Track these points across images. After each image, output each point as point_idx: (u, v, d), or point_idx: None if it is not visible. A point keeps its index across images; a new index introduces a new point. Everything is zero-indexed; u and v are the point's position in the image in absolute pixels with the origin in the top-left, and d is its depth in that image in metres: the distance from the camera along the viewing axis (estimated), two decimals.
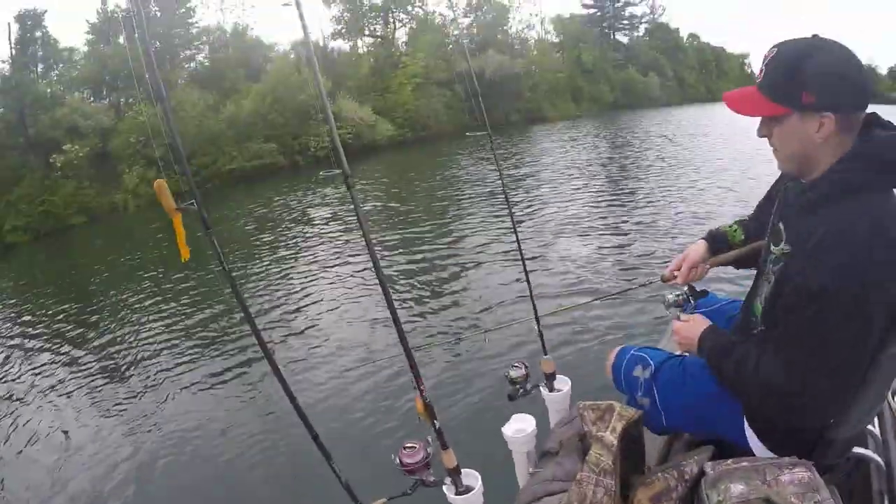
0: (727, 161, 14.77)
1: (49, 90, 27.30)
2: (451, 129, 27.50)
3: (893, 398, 1.72)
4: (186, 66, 29.59)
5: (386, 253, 9.91)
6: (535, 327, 2.25)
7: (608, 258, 7.88)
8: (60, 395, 7.48)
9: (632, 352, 1.61)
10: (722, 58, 64.71)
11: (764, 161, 12.02)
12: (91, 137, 24.55)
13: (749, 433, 1.29)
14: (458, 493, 1.61)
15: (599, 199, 12.14)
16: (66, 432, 6.20)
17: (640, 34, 52.14)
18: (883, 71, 66.98)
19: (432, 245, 10.37)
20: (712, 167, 14.26)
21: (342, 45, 33.15)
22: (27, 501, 5.00)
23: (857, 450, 1.39)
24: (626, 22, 51.26)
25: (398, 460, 1.55)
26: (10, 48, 26.65)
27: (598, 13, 49.21)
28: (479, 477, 1.65)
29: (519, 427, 1.85)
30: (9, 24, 27.12)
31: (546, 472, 1.62)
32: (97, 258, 16.50)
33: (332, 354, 6.19)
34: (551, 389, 2.08)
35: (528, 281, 2.37)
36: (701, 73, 57.08)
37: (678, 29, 57.05)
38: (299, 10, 1.41)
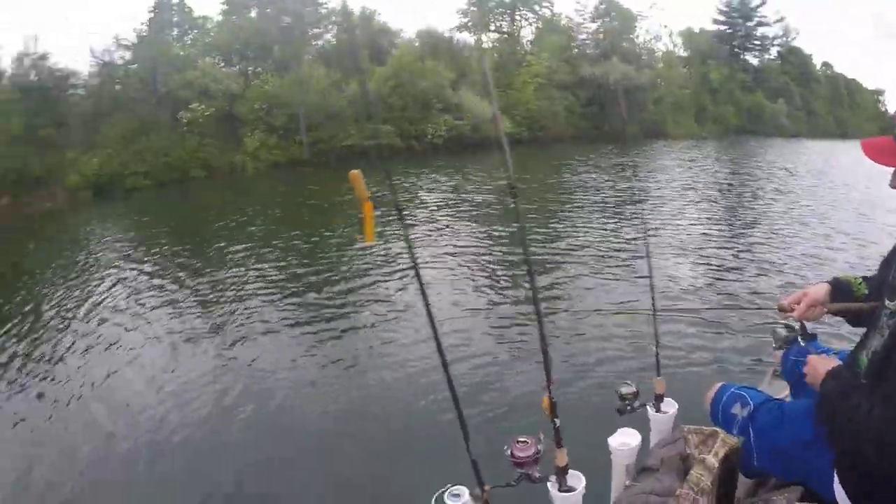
0: (848, 205, 13.60)
1: (182, 53, 28.56)
2: (568, 133, 26.50)
3: None
4: (314, 43, 30.23)
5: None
6: (654, 348, 2.31)
7: (719, 284, 7.96)
8: (156, 323, 7.81)
9: (732, 389, 1.63)
10: (855, 91, 59.58)
11: (888, 212, 10.67)
12: (219, 100, 25.48)
13: (837, 486, 1.28)
14: (560, 491, 1.63)
15: (713, 224, 11.71)
16: (156, 362, 6.52)
17: (772, 57, 48.57)
18: None
19: (552, 249, 10.16)
20: (833, 209, 13.29)
21: (467, 37, 32.77)
22: (117, 418, 5.28)
23: None
24: (757, 42, 47.83)
25: (510, 452, 1.57)
26: (148, 12, 28.12)
27: (729, 30, 46.20)
28: (584, 479, 1.66)
29: (624, 440, 1.89)
30: None
31: (645, 486, 1.65)
32: (211, 211, 17.15)
33: (469, 341, 6.33)
34: (658, 410, 2.12)
35: (653, 300, 2.38)
36: (832, 105, 52.65)
37: (811, 55, 52.91)
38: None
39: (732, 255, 9.45)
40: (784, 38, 49.24)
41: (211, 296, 8.92)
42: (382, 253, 10.12)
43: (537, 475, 1.58)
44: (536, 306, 1.59)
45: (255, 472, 4.36)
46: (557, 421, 1.59)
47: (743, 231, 11.23)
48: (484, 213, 13.02)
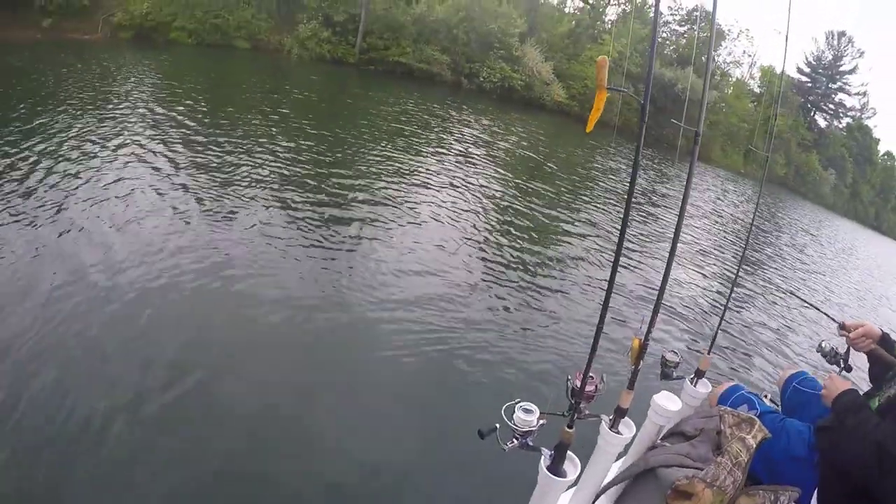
0: (864, 295, 13.79)
1: None
2: (617, 124, 25.61)
3: None
4: None
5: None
6: (715, 326, 2.48)
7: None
8: (162, 171, 7.80)
9: (743, 391, 1.89)
10: None
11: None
12: None
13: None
14: (611, 430, 1.69)
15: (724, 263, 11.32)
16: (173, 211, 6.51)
17: (840, 126, 46.96)
18: None
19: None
20: (846, 293, 13.28)
21: None
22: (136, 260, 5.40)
23: None
24: (831, 106, 46.21)
25: (571, 382, 1.60)
26: None
27: (809, 84, 44.60)
28: (634, 429, 1.72)
29: (667, 404, 1.92)
30: None
31: (679, 448, 1.72)
32: (245, 82, 16.98)
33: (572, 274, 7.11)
34: (695, 385, 2.24)
35: (733, 285, 2.65)
36: (877, 194, 51.24)
37: (879, 140, 51.17)
38: None
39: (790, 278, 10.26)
40: (858, 113, 47.56)
41: (221, 159, 8.77)
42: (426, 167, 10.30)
43: (587, 412, 1.62)
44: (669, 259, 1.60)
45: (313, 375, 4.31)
46: (640, 365, 1.63)
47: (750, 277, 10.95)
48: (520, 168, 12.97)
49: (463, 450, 3.50)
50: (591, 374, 1.58)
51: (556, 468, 1.58)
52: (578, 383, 1.58)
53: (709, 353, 2.30)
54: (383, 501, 3.38)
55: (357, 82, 21.29)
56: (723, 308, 2.50)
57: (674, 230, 1.65)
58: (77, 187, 6.95)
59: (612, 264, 1.45)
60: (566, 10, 30.25)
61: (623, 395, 1.68)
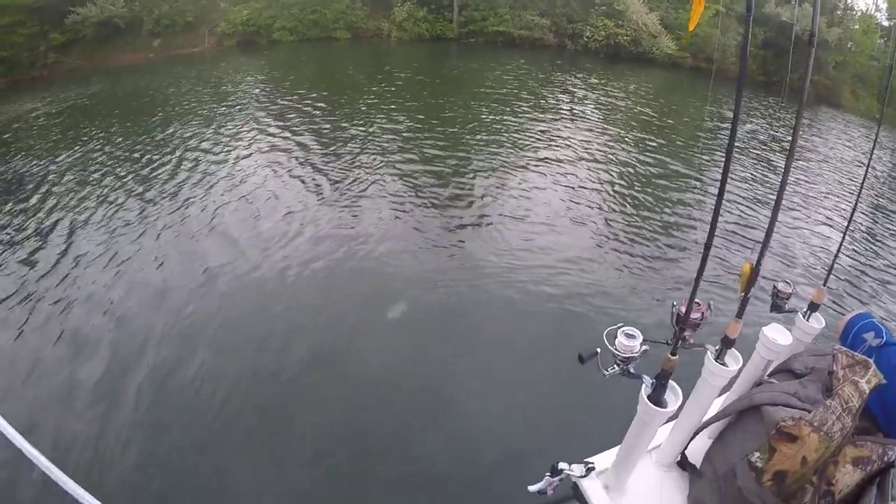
0: None
1: None
2: (734, 72, 23.51)
3: None
4: None
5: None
6: (831, 259, 2.25)
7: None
8: (276, 164, 8.15)
9: (872, 319, 1.66)
10: None
11: None
12: None
13: None
14: (717, 361, 1.63)
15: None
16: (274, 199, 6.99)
17: None
18: None
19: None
20: None
21: None
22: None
23: None
24: None
25: (675, 308, 1.52)
26: None
27: None
28: (741, 361, 1.65)
29: (776, 336, 1.80)
30: None
31: (787, 387, 1.61)
32: (349, 71, 17.39)
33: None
34: (808, 318, 2.01)
35: (851, 217, 2.49)
36: None
37: None
38: None
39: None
40: None
41: (343, 142, 9.13)
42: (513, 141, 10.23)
43: (692, 340, 1.55)
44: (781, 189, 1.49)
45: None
46: (750, 292, 1.52)
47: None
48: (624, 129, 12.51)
49: (567, 377, 3.64)
50: (697, 301, 1.48)
51: (657, 397, 1.53)
52: (684, 310, 1.49)
53: (824, 285, 2.06)
54: (492, 435, 3.59)
55: (460, 57, 21.18)
56: (839, 241, 2.26)
57: (786, 158, 1.47)
58: (217, 182, 7.61)
59: (717, 193, 1.33)
60: None
61: (731, 324, 1.59)
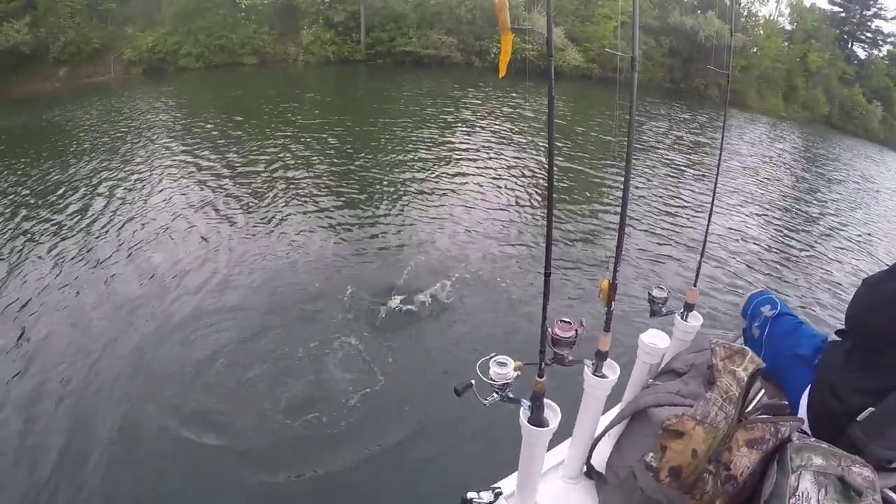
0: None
1: None
2: (642, 81, 23.54)
3: None
4: None
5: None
6: (697, 259, 2.33)
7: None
8: (186, 196, 7.95)
9: (769, 294, 1.79)
10: None
11: None
12: None
13: (803, 405, 1.46)
14: (595, 375, 1.67)
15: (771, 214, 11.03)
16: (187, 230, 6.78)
17: (881, 55, 42.78)
18: None
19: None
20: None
21: None
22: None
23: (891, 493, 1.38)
24: (868, 35, 42.15)
25: (550, 330, 1.54)
26: None
27: (843, 14, 40.78)
28: (619, 370, 1.69)
29: (655, 341, 1.88)
30: None
31: (670, 386, 1.68)
32: (257, 97, 17.13)
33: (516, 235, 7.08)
34: (685, 319, 2.10)
35: (709, 219, 2.43)
36: None
37: None
38: None
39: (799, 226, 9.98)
40: None
41: (243, 178, 8.84)
42: (422, 156, 10.18)
43: (570, 358, 1.57)
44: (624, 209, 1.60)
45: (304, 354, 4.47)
46: (612, 306, 1.58)
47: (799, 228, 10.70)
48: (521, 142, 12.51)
49: (451, 410, 3.55)
50: (567, 319, 1.54)
51: (535, 418, 1.56)
52: (558, 331, 1.53)
53: (695, 286, 2.16)
54: (377, 482, 3.46)
55: (368, 78, 20.64)
56: (702, 240, 2.30)
57: (624, 175, 1.58)
58: (128, 215, 7.30)
59: (547, 214, 1.40)
60: None
61: (601, 338, 1.64)
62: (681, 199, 9.93)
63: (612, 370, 1.67)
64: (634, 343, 1.91)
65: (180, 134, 11.55)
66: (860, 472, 1.12)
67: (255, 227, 6.98)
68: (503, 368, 1.48)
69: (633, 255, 6.83)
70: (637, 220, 8.31)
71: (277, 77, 20.90)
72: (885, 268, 1.34)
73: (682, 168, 12.36)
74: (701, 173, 12.10)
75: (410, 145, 10.75)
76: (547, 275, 1.43)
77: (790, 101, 31.34)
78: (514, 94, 17.82)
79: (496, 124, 13.36)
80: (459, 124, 13.04)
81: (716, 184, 2.42)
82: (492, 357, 1.51)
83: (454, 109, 14.82)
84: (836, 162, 20.62)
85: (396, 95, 16.49)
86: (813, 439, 1.25)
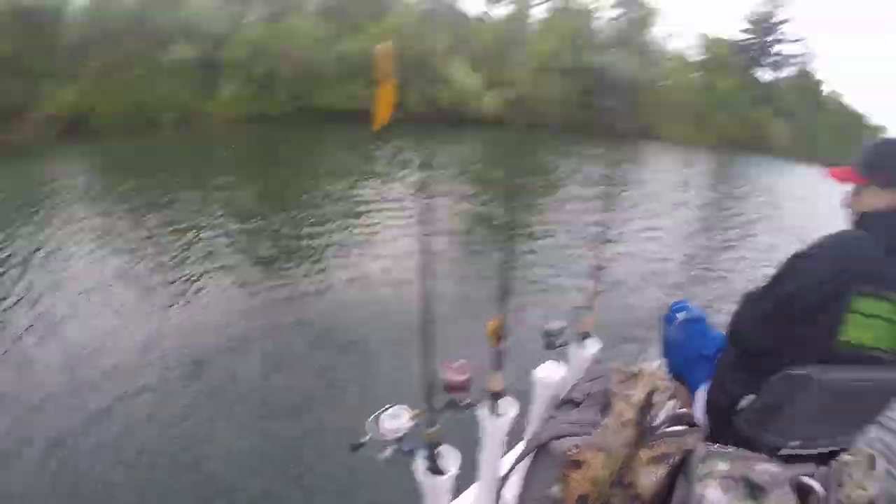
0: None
1: None
2: (560, 121, 24.37)
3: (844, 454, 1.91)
4: None
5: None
6: (590, 286, 2.33)
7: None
8: (107, 267, 7.65)
9: (686, 303, 1.79)
10: (859, 125, 57.04)
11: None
12: (203, 43, 23.52)
13: (700, 405, 1.48)
14: (492, 414, 1.67)
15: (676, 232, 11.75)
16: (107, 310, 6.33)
17: (784, 76, 45.86)
18: None
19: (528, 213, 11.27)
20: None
21: (476, 5, 30.08)
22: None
23: (807, 479, 1.46)
24: (772, 59, 45.17)
25: (443, 375, 1.55)
26: None
27: (748, 41, 43.59)
28: (517, 406, 1.71)
29: (549, 373, 1.95)
30: None
31: (569, 417, 1.70)
32: (177, 158, 16.85)
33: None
34: (582, 348, 2.14)
35: (597, 249, 2.68)
36: (832, 134, 50.17)
37: (822, 82, 50.17)
38: None
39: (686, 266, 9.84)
40: (800, 60, 46.54)
41: (166, 245, 8.66)
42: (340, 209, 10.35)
43: (467, 401, 1.59)
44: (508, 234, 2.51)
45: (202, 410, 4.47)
46: (501, 345, 1.62)
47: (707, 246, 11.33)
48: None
49: (349, 465, 3.48)
50: (459, 363, 1.57)
51: (434, 466, 1.54)
52: (450, 375, 1.55)
53: (590, 314, 2.22)
54: None
55: (288, 133, 20.45)
56: (595, 267, 2.43)
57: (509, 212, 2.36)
58: (43, 291, 6.84)
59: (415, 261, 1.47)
60: (491, 17, 28.92)
61: (492, 378, 1.67)
62: (580, 231, 10.09)
63: (509, 408, 1.67)
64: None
65: (98, 197, 11.25)
66: (765, 469, 1.16)
67: (174, 293, 6.85)
68: (396, 421, 1.47)
69: (530, 289, 6.88)
70: (534, 253, 8.50)
71: (197, 135, 20.63)
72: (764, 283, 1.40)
73: (589, 200, 12.80)
74: (609, 204, 12.71)
75: (325, 199, 10.85)
76: (426, 322, 1.45)
77: (702, 127, 33.04)
78: (426, 144, 18.17)
79: (410, 174, 13.57)
80: (374, 176, 13.19)
81: (608, 212, 2.52)
82: (384, 410, 1.51)
83: (371, 162, 15.05)
84: (743, 179, 21.91)
85: (317, 150, 16.54)
86: (717, 446, 1.28)
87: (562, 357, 2.08)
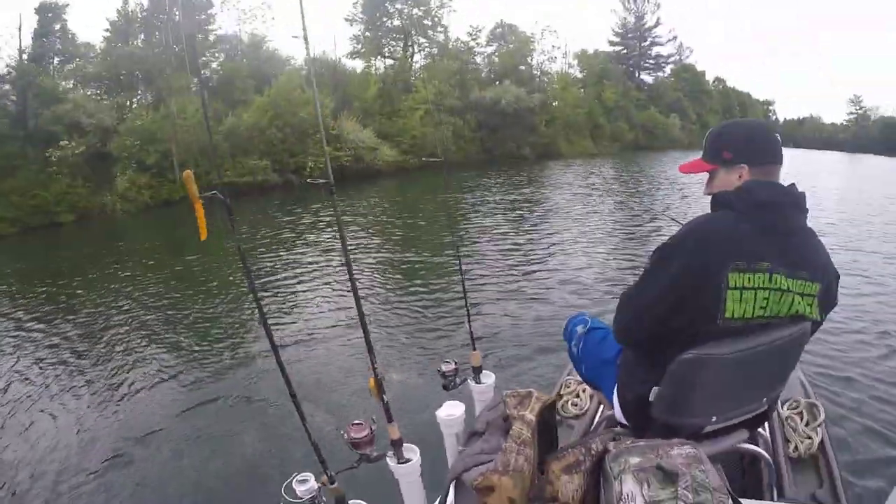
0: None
1: (61, 84, 25.96)
2: (459, 159, 25.32)
3: (783, 407, 2.28)
4: (202, 72, 27.84)
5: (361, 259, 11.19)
6: (466, 326, 2.49)
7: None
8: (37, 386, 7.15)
9: (584, 315, 1.98)
10: (747, 104, 61.78)
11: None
12: (91, 136, 23.10)
13: (616, 403, 1.61)
14: (399, 463, 1.77)
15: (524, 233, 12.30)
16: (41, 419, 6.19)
17: (665, 75, 49.45)
18: None
19: (397, 258, 11.38)
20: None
21: (357, 64, 31.08)
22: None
23: (747, 445, 1.67)
24: (651, 62, 48.81)
25: (346, 436, 1.65)
26: (20, 39, 25.26)
27: (624, 51, 46.80)
28: (418, 450, 1.82)
29: (450, 412, 2.00)
30: (20, 14, 25.80)
31: (475, 448, 1.77)
32: (78, 258, 16.13)
33: (310, 340, 6.88)
34: (478, 381, 2.26)
35: (463, 284, 2.69)
36: (725, 118, 53.98)
37: (704, 72, 54.38)
38: (306, 45, 1.80)
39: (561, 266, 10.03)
40: (677, 57, 50.43)
41: (80, 346, 8.23)
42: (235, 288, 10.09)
43: (375, 454, 1.67)
44: (358, 304, 1.77)
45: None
46: (385, 398, 1.71)
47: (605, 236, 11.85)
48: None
49: None
50: (358, 421, 1.65)
51: None
52: (353, 434, 1.63)
53: (474, 349, 2.29)
54: None
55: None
56: (464, 302, 2.57)
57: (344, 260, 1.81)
58: None
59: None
60: (372, 70, 29.89)
61: (389, 430, 1.73)
62: (448, 266, 10.01)
63: (413, 452, 1.75)
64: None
65: (4, 308, 10.59)
66: (679, 453, 1.17)
67: (100, 397, 6.64)
68: (305, 485, 1.51)
69: (416, 336, 6.77)
70: (412, 296, 8.41)
71: (98, 231, 19.90)
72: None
73: (489, 231, 13.02)
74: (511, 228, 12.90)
75: (231, 279, 10.72)
76: (292, 395, 1.55)
77: (598, 137, 35.11)
78: (342, 200, 18.38)
79: (326, 238, 13.57)
80: (282, 246, 13.13)
81: (456, 242, 2.77)
82: (293, 477, 1.54)
83: (278, 231, 14.94)
84: (644, 175, 22.93)
85: (221, 231, 16.27)
86: (630, 441, 1.29)
87: (461, 394, 2.14)
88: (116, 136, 23.13)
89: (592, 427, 2.25)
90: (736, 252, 1.28)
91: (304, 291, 9.50)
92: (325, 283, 9.87)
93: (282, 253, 12.68)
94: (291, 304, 8.97)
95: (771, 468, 1.83)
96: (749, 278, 1.28)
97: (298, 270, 11.01)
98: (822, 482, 1.90)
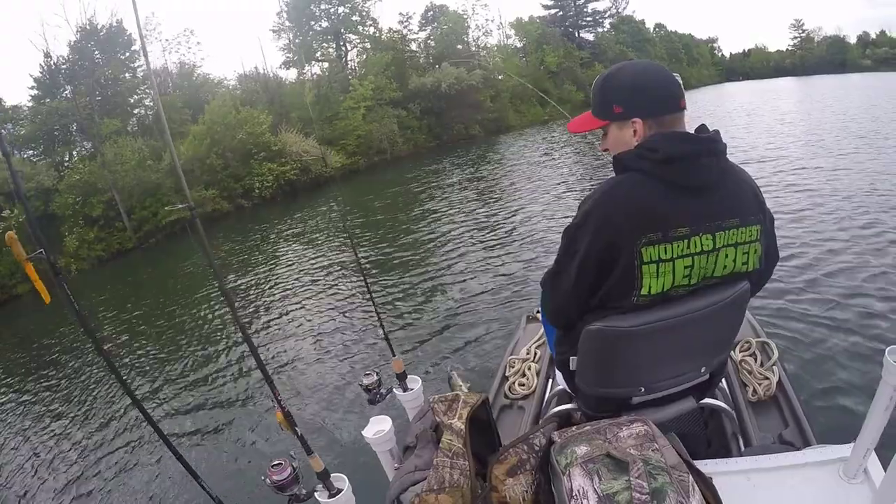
0: None
1: None
2: (408, 151, 24.49)
3: (735, 350, 2.19)
4: (134, 112, 26.72)
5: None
6: (381, 332, 2.31)
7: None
8: None
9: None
10: (691, 45, 61.44)
11: None
12: (32, 201, 21.95)
13: (559, 375, 1.65)
14: (330, 497, 1.62)
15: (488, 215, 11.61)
16: None
17: (605, 30, 48.82)
18: (852, 40, 64.31)
19: (284, 278, 10.72)
20: None
21: (292, 74, 30.05)
22: None
23: (708, 401, 1.55)
24: (589, 19, 48.18)
25: (268, 480, 1.52)
26: None
27: (560, 13, 46.02)
28: (346, 479, 1.69)
29: (378, 428, 1.86)
30: None
31: (408, 465, 1.60)
32: (37, 333, 15.26)
33: (196, 383, 6.42)
34: (405, 389, 2.09)
35: (367, 286, 2.50)
36: (671, 63, 53.72)
37: (643, 20, 53.95)
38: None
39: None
40: (614, 10, 49.81)
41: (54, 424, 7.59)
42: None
43: (304, 492, 1.57)
44: (243, 332, 1.63)
45: None
46: (298, 429, 1.59)
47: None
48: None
49: None
50: (277, 461, 1.52)
51: None
52: (275, 477, 1.50)
53: (393, 355, 2.10)
54: None
55: (145, 263, 19.58)
56: (372, 307, 2.36)
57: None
58: None
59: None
60: (309, 78, 28.84)
61: (311, 462, 1.60)
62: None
63: (342, 482, 1.64)
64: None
65: None
66: (629, 433, 1.09)
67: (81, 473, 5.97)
68: None
69: (331, 359, 6.22)
70: (321, 316, 7.83)
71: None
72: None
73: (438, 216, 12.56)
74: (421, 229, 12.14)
75: (204, 320, 10.16)
76: (179, 457, 1.46)
77: (546, 103, 34.30)
78: (288, 220, 17.67)
79: (289, 257, 12.97)
80: (241, 274, 12.59)
81: (351, 243, 2.55)
82: None
83: (236, 259, 14.32)
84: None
85: (178, 267, 15.58)
86: (574, 428, 1.19)
87: (391, 406, 2.01)
88: (58, 195, 22.15)
89: (545, 403, 2.14)
90: (647, 224, 1.16)
91: (192, 331, 8.91)
92: (210, 317, 9.52)
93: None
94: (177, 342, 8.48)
95: (733, 417, 1.73)
96: (665, 249, 1.18)
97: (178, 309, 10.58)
98: (787, 422, 1.82)
